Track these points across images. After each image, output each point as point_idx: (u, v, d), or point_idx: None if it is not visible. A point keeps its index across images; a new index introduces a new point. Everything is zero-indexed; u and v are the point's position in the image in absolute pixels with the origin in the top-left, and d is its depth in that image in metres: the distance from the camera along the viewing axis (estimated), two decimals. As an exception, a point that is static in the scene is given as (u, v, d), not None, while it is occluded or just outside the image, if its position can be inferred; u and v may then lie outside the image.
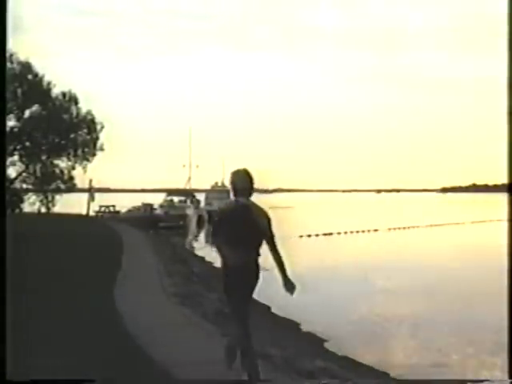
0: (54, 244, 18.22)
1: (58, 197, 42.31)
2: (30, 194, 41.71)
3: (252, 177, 5.60)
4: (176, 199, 44.07)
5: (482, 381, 5.46)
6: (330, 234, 35.04)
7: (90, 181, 39.59)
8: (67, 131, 40.67)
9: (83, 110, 41.49)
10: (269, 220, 5.55)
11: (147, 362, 5.99)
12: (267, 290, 15.96)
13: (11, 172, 40.53)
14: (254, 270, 5.64)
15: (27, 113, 39.99)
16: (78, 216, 37.97)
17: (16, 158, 40.20)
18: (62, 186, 41.78)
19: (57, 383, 3.70)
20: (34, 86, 38.87)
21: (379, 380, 7.67)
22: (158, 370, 5.70)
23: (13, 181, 40.79)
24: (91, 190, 38.96)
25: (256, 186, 5.63)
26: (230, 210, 5.60)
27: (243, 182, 5.54)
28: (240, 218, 5.43)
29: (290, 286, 5.76)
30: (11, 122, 39.65)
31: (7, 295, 4.84)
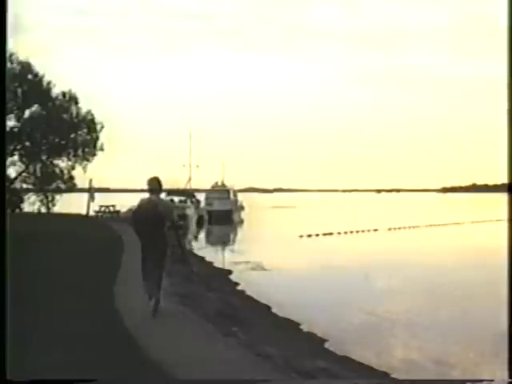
0: (54, 244, 18.21)
1: (57, 196, 42.36)
2: (30, 193, 41.77)
3: (160, 182, 8.55)
4: (176, 199, 43.94)
5: (482, 381, 5.44)
6: (330, 233, 35.01)
7: (90, 181, 39.55)
8: (67, 131, 40.65)
9: (83, 110, 41.61)
10: (170, 210, 8.75)
11: (146, 360, 5.98)
12: (267, 290, 16.00)
13: (11, 172, 40.53)
14: (161, 243, 8.34)
15: (27, 113, 39.99)
16: (78, 216, 37.92)
17: (16, 157, 40.24)
18: (62, 186, 41.80)
19: (56, 383, 3.66)
20: (33, 86, 38.86)
21: (379, 380, 7.66)
22: (156, 372, 5.69)
23: (13, 181, 40.78)
24: (91, 190, 38.88)
25: (164, 187, 8.73)
26: (142, 204, 8.50)
27: (153, 185, 8.46)
28: (148, 209, 8.31)
29: (185, 260, 9.36)
30: (11, 122, 39.64)
31: (7, 295, 4.82)
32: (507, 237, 6.37)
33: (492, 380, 6.73)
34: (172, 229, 8.70)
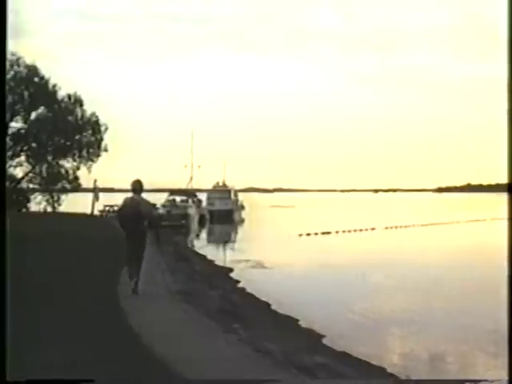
0: (60, 242, 18.22)
1: (63, 196, 42.41)
2: (37, 193, 41.82)
3: (141, 183, 9.98)
4: (178, 199, 43.99)
5: (482, 381, 5.36)
6: (329, 232, 35.01)
7: (95, 181, 39.62)
8: (72, 133, 40.73)
9: (88, 112, 41.65)
10: (150, 209, 10.25)
11: (149, 356, 5.99)
12: (267, 288, 16.00)
13: (18, 172, 40.67)
14: (141, 236, 9.84)
15: (34, 115, 40.06)
16: (83, 215, 37.93)
17: (23, 158, 40.37)
18: (68, 186, 41.90)
19: (54, 383, 3.54)
20: (40, 89, 38.90)
21: (380, 380, 7.65)
22: (160, 368, 5.70)
23: (20, 181, 40.83)
24: (95, 190, 38.93)
25: (144, 188, 10.02)
26: (126, 203, 9.93)
27: (135, 186, 9.90)
28: (131, 207, 9.75)
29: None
30: (18, 124, 39.81)
31: (7, 295, 4.74)
32: (507, 237, 6.29)
33: (492, 380, 6.68)
34: (152, 224, 10.37)
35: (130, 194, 10.09)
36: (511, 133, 4.51)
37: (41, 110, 40.23)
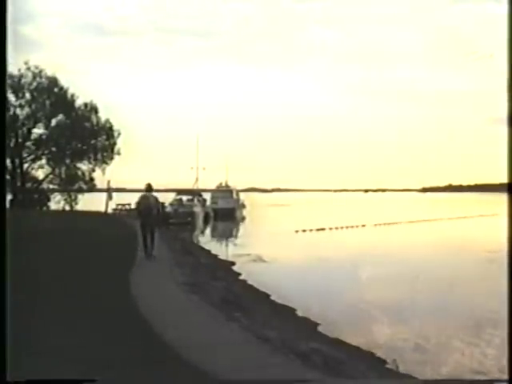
0: (76, 235, 18.23)
1: (80, 196, 42.50)
2: (56, 193, 41.95)
3: (151, 185, 13.54)
4: (184, 198, 43.90)
5: (482, 381, 5.23)
6: (323, 229, 34.97)
7: (108, 182, 39.54)
8: (88, 137, 40.82)
9: (102, 119, 41.73)
10: (157, 202, 13.48)
11: (158, 341, 6.01)
12: (266, 280, 15.99)
13: (39, 174, 40.85)
14: (152, 222, 13.33)
15: (54, 122, 40.15)
16: (98, 213, 37.93)
17: (44, 161, 40.48)
18: (84, 187, 41.99)
19: (54, 383, 3.40)
20: (60, 98, 39.00)
21: (383, 380, 7.56)
22: (170, 352, 5.71)
23: (41, 182, 40.93)
24: (109, 190, 38.88)
25: (153, 188, 13.77)
26: (141, 199, 13.46)
27: (147, 187, 13.44)
28: (144, 201, 13.33)
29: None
30: (40, 130, 40.04)
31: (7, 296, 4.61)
32: (507, 236, 6.22)
33: (492, 380, 6.58)
34: (158, 212, 13.82)
35: (140, 194, 13.84)
36: (511, 133, 4.42)
37: (60, 117, 40.33)
